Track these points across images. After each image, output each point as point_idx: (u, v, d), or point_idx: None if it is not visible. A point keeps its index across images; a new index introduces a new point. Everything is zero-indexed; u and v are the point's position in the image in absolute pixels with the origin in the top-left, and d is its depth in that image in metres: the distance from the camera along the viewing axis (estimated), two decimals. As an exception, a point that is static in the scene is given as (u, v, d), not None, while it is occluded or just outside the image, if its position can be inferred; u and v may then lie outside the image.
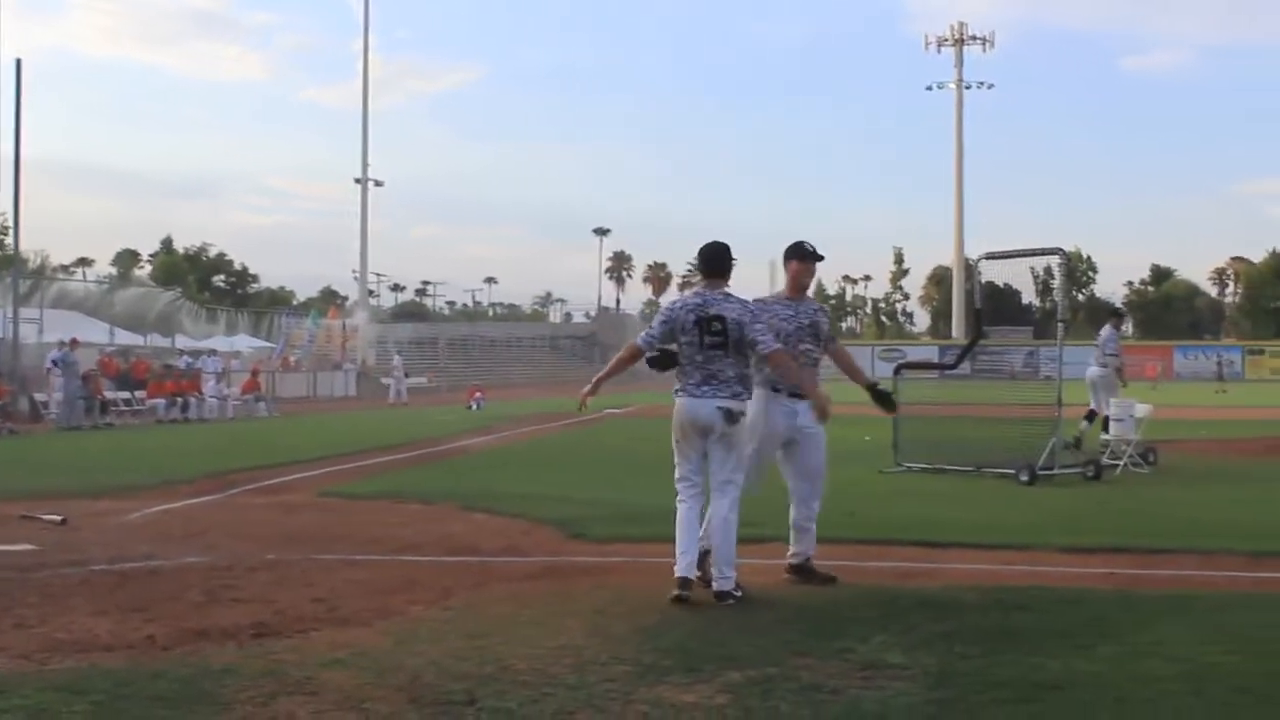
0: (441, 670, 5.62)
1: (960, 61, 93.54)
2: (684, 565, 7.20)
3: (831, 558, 8.14)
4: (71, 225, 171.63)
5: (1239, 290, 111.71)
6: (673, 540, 7.32)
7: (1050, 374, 17.02)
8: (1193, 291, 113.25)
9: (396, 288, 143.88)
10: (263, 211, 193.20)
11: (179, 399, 32.43)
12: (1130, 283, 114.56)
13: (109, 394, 31.40)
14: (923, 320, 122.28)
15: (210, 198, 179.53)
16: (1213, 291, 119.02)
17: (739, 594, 7.16)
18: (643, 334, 7.70)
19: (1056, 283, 16.81)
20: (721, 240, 7.64)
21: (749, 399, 7.36)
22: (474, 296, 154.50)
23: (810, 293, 8.28)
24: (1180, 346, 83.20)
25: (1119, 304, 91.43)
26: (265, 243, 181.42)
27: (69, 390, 28.67)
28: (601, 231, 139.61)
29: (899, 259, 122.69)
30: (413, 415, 34.64)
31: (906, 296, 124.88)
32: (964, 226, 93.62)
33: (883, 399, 8.47)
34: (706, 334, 7.30)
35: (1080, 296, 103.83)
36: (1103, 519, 11.04)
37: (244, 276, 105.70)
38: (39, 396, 30.89)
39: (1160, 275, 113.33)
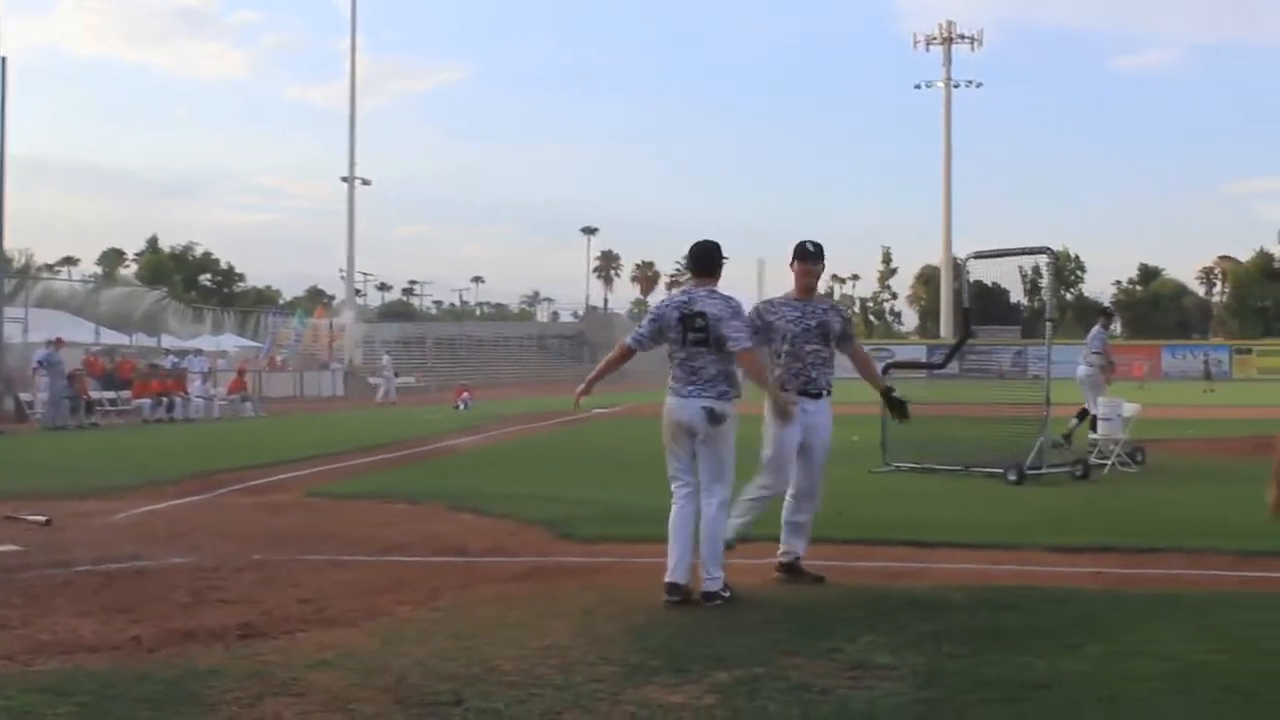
0: (428, 671, 5.61)
1: (949, 60, 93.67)
2: (677, 572, 7.20)
3: (819, 557, 8.15)
4: (56, 224, 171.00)
5: (1226, 290, 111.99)
6: (662, 540, 7.33)
7: (1038, 373, 17.03)
8: (1180, 291, 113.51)
9: (383, 287, 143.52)
10: (249, 210, 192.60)
11: (164, 399, 32.32)
12: (1118, 282, 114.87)
13: (94, 394, 31.25)
14: (911, 319, 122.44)
15: (196, 196, 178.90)
16: (1200, 291, 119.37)
17: (727, 594, 7.17)
18: (633, 333, 7.74)
19: (1044, 282, 16.80)
20: (712, 239, 7.65)
21: (737, 397, 7.34)
22: (461, 296, 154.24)
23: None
24: (1168, 346, 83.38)
25: (1107, 303, 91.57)
26: (251, 242, 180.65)
27: (54, 390, 28.56)
28: (589, 231, 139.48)
29: (887, 258, 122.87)
30: (400, 415, 34.60)
31: (894, 296, 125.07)
32: (952, 226, 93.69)
33: (896, 406, 8.49)
34: (690, 331, 7.32)
35: (1068, 296, 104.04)
36: (1091, 518, 11.07)
37: (230, 275, 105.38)
38: (24, 396, 30.76)
39: (1148, 274, 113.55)
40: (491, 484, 14.05)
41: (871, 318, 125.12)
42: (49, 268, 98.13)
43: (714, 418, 7.22)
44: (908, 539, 9.49)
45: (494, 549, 9.44)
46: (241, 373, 39.94)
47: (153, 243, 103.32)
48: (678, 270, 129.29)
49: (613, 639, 6.26)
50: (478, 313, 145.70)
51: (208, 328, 57.25)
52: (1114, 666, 5.66)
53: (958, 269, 35.11)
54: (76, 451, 20.52)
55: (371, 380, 51.43)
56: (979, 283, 17.65)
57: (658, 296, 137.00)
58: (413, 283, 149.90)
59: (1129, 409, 15.94)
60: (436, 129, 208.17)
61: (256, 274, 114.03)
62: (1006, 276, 17.03)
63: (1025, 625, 6.55)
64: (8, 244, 35.83)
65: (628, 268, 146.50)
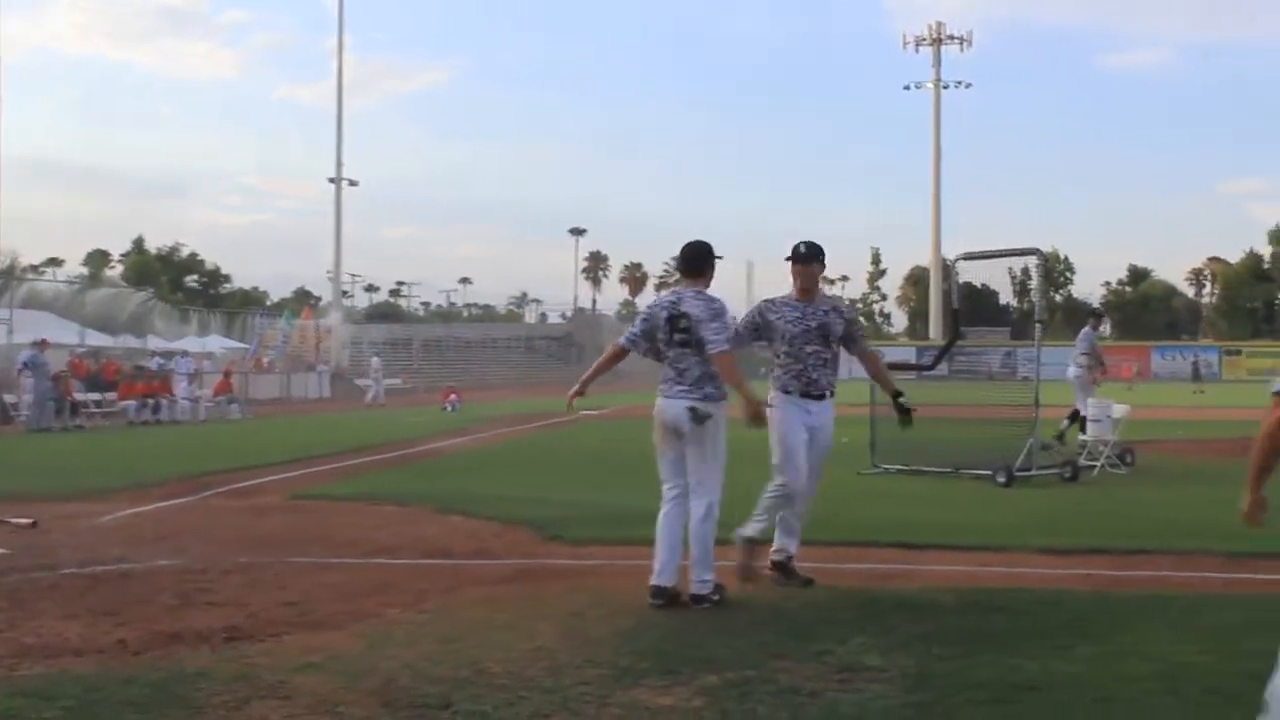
0: (416, 674, 5.61)
1: (938, 61, 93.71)
2: (663, 575, 7.20)
3: (809, 559, 8.16)
4: (42, 224, 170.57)
5: (1216, 291, 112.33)
6: (651, 543, 7.34)
7: (1028, 375, 17.09)
8: (1170, 292, 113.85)
9: (371, 288, 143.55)
10: (235, 211, 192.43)
11: (150, 400, 32.27)
12: (1107, 283, 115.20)
13: (79, 395, 31.23)
14: (900, 321, 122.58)
15: (182, 197, 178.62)
16: (1190, 292, 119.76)
17: (716, 597, 7.18)
18: (625, 334, 7.77)
19: (1034, 283, 16.89)
20: (703, 240, 7.65)
21: (723, 400, 7.34)
22: (449, 297, 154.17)
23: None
24: (1158, 347, 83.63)
25: (1096, 304, 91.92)
26: (238, 243, 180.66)
27: (39, 392, 28.49)
28: (577, 231, 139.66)
29: (876, 259, 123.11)
30: (387, 417, 34.55)
31: (884, 297, 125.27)
32: (941, 227, 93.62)
33: (902, 411, 8.45)
34: (675, 331, 7.34)
35: (1058, 297, 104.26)
36: (1080, 520, 11.09)
37: (217, 277, 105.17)
38: (9, 398, 30.73)
39: (1137, 275, 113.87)
40: (479, 486, 14.04)
41: (861, 319, 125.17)
42: (34, 268, 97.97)
43: (697, 417, 7.20)
44: (897, 541, 9.50)
45: (482, 551, 9.43)
46: (228, 374, 39.84)
47: (139, 243, 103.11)
48: (666, 271, 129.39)
49: (601, 641, 6.26)
50: (465, 314, 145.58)
51: (194, 329, 57.16)
52: (1104, 668, 5.68)
53: (947, 270, 35.21)
54: (62, 454, 20.48)
55: (359, 382, 51.40)
56: (968, 284, 17.72)
57: (646, 298, 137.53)
58: (400, 284, 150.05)
59: (1118, 410, 15.98)
60: (424, 129, 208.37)
61: (243, 275, 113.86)
62: (996, 278, 17.15)
63: (1015, 627, 6.56)
64: (-8, 245, 35.69)
65: (616, 269, 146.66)
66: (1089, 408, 16.34)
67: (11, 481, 14.57)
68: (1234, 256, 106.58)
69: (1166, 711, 5.07)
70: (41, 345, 29.71)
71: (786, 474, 7.74)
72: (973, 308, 18.17)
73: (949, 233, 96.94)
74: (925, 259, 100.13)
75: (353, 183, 68.03)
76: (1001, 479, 13.91)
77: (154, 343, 47.34)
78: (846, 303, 9.32)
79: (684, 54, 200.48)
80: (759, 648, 6.08)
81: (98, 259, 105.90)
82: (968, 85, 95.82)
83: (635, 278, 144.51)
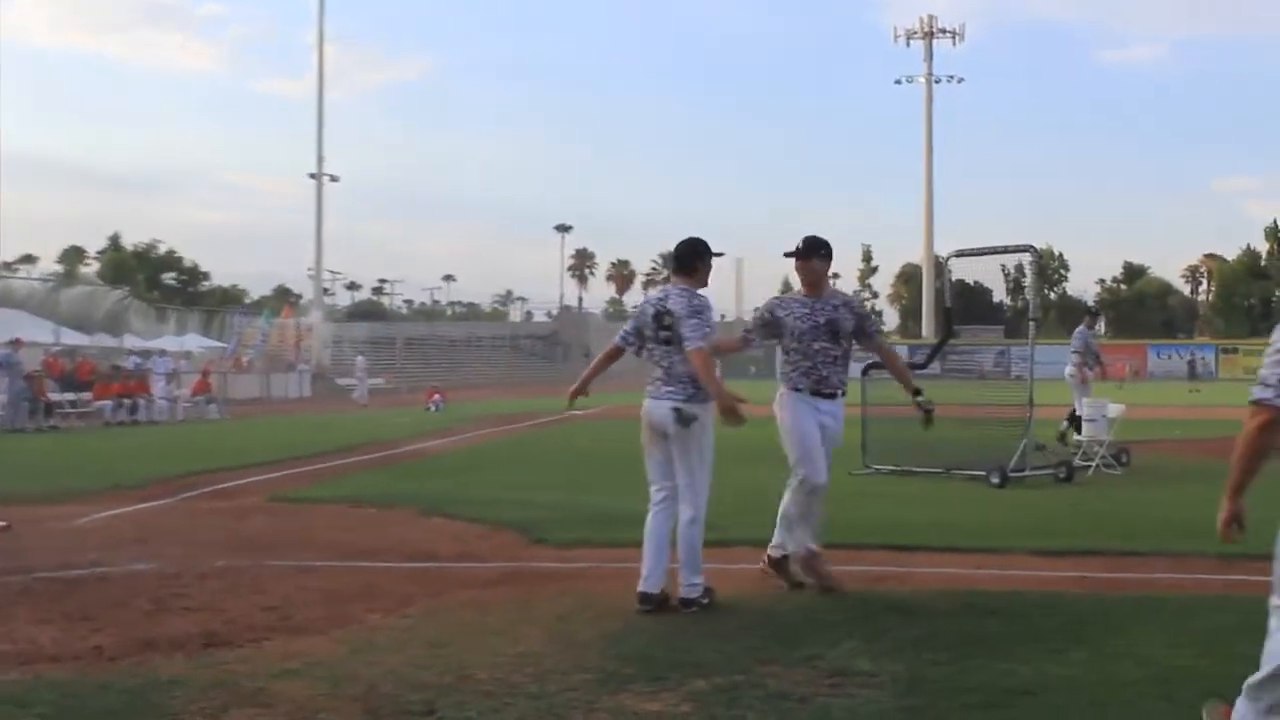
0: (399, 680, 5.61)
1: (930, 55, 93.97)
2: (650, 581, 7.20)
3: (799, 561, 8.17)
4: (14, 221, 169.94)
5: (1212, 288, 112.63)
6: (639, 545, 7.34)
7: (1021, 374, 17.11)
8: (1165, 290, 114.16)
9: (352, 286, 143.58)
10: (214, 207, 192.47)
11: (127, 401, 32.19)
12: (1102, 281, 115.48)
13: (54, 395, 31.14)
14: (892, 319, 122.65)
15: (160, 193, 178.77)
16: (1186, 290, 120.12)
17: (705, 601, 7.18)
18: (619, 333, 7.76)
19: (1028, 281, 16.89)
20: (697, 237, 7.62)
21: (710, 400, 7.32)
22: (432, 295, 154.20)
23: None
24: (1154, 345, 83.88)
25: (1091, 302, 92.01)
26: (216, 239, 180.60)
27: (12, 392, 28.40)
28: (563, 228, 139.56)
29: (867, 256, 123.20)
30: (370, 417, 34.50)
31: (875, 295, 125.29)
32: (933, 223, 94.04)
33: (924, 411, 8.20)
34: (660, 329, 7.34)
35: (1052, 295, 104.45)
36: (1075, 521, 11.12)
37: (195, 274, 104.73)
38: (-19, 398, 30.58)
39: (1133, 273, 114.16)
40: (464, 488, 14.03)
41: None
42: (6, 266, 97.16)
43: (682, 418, 7.19)
44: (888, 543, 9.52)
45: (466, 554, 9.42)
46: (206, 374, 39.79)
47: (115, 240, 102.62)
48: (654, 269, 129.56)
49: (588, 646, 6.26)
50: (449, 312, 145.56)
51: (171, 328, 56.89)
52: (1098, 672, 5.69)
53: (939, 267, 35.20)
54: (35, 455, 20.42)
55: (341, 382, 51.33)
56: (961, 281, 17.72)
57: (633, 296, 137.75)
58: (382, 281, 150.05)
59: (1113, 410, 16.02)
60: (406, 123, 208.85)
61: (222, 273, 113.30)
62: (989, 275, 17.10)
63: (1008, 631, 6.57)
64: (-36, 242, 35.60)
65: (603, 266, 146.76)
66: (1084, 407, 16.38)
67: (-16, 484, 14.52)
68: (1230, 254, 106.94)
69: (1161, 716, 5.09)
70: (15, 345, 29.60)
71: (807, 471, 7.68)
72: (965, 306, 18.21)
73: (941, 230, 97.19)
74: (917, 256, 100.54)
75: (334, 178, 67.95)
76: (995, 480, 13.94)
77: (130, 341, 47.16)
78: (858, 299, 9.14)
79: (672, 48, 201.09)
80: (748, 652, 6.09)
81: (73, 256, 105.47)
82: (960, 80, 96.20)
83: (622, 275, 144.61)
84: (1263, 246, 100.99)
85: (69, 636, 6.59)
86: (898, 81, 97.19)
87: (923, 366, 17.25)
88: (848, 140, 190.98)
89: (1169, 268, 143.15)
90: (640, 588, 7.18)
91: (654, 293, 7.81)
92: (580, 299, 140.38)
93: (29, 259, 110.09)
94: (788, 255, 7.94)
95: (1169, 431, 22.81)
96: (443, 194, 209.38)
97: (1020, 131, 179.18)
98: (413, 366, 68.34)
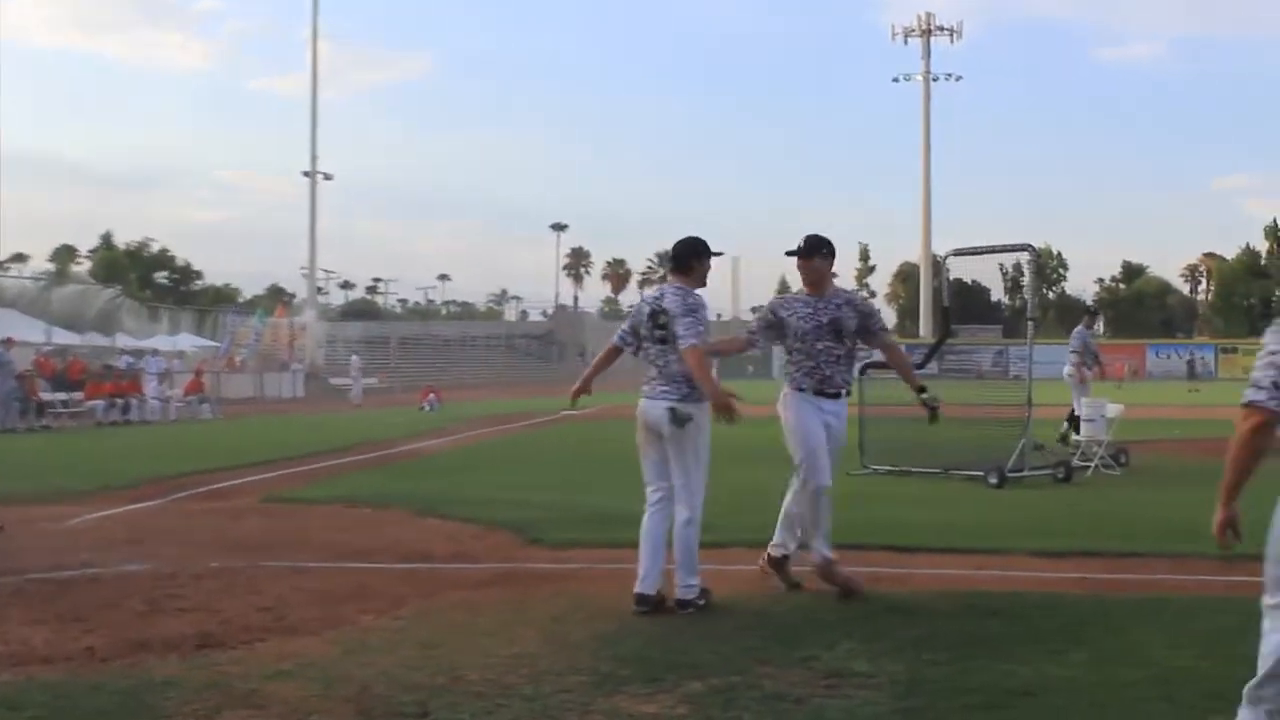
0: (392, 681, 5.60)
1: (927, 53, 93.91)
2: (646, 582, 7.19)
3: (802, 563, 8.16)
4: (6, 219, 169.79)
5: (1211, 287, 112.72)
6: (634, 545, 7.34)
7: (1020, 373, 17.13)
8: (1165, 289, 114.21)
9: (346, 285, 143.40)
10: (207, 205, 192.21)
11: (119, 400, 32.16)
12: (1101, 280, 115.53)
13: (45, 395, 31.11)
14: (889, 318, 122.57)
15: (152, 191, 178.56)
16: (1185, 289, 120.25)
17: (702, 602, 7.17)
18: (618, 332, 7.74)
19: (1026, 280, 16.91)
20: (695, 236, 7.60)
21: (704, 400, 7.30)
22: (427, 294, 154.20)
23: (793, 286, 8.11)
24: (1153, 345, 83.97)
25: (1090, 302, 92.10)
26: (209, 238, 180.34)
27: (3, 392, 28.32)
28: (559, 227, 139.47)
29: (865, 255, 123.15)
30: (364, 417, 34.50)
31: (873, 294, 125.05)
32: (931, 222, 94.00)
33: (929, 408, 8.22)
34: (656, 328, 7.34)
35: (1050, 294, 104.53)
36: (1074, 522, 11.12)
37: (187, 273, 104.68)
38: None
39: (1132, 272, 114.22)
40: (458, 488, 14.02)
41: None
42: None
43: (677, 419, 7.18)
44: (887, 543, 9.50)
45: (460, 555, 9.42)
46: (199, 373, 39.80)
47: (107, 239, 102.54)
48: (650, 268, 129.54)
49: (583, 647, 6.26)
50: (444, 311, 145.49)
51: (164, 327, 56.89)
52: (1099, 673, 5.69)
53: (937, 267, 35.20)
54: (27, 455, 20.38)
55: (335, 382, 51.29)
56: (959, 281, 17.75)
57: (629, 295, 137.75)
58: (377, 280, 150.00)
59: (1112, 410, 16.03)
60: (402, 121, 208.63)
61: (215, 271, 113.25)
62: (987, 274, 17.17)
63: (1008, 631, 6.57)
64: (-45, 240, 35.53)
65: (598, 265, 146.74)
66: (1083, 407, 16.39)
67: (-25, 484, 14.50)
68: (1230, 253, 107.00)
69: (1162, 717, 5.09)
70: (6, 344, 29.55)
71: (810, 473, 7.64)
72: (963, 305, 18.22)
73: (939, 228, 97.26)
74: (915, 255, 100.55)
75: (328, 176, 67.76)
76: (993, 480, 13.94)
77: (123, 341, 47.16)
78: (862, 295, 9.05)
79: (669, 46, 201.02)
80: (744, 653, 6.08)
81: (64, 255, 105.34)
82: (958, 78, 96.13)
83: (618, 274, 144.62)
84: (1262, 245, 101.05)
85: (61, 638, 6.58)
86: (895, 79, 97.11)
87: (920, 366, 17.25)
88: (845, 138, 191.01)
89: (1168, 267, 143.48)
90: (636, 589, 7.17)
91: (650, 292, 7.81)
92: (576, 298, 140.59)
93: (20, 257, 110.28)
94: (789, 254, 7.90)
95: (1168, 431, 22.82)
96: (437, 193, 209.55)
97: (1018, 129, 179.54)
98: (407, 366, 68.27)
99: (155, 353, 38.80)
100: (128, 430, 29.04)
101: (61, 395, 32.32)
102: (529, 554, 9.43)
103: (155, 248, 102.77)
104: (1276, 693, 4.12)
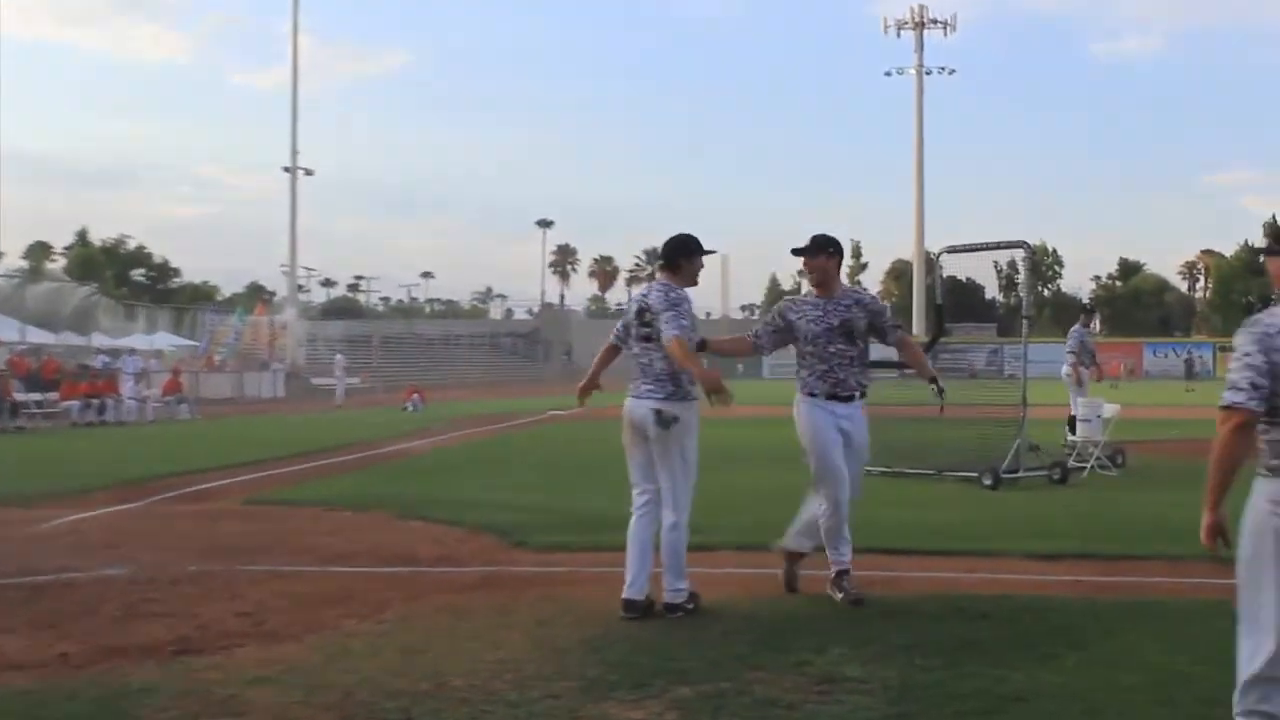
0: (375, 687, 5.60)
1: (920, 46, 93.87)
2: (634, 587, 7.20)
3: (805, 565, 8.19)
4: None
5: (1209, 285, 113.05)
6: (620, 549, 7.34)
7: (1015, 373, 17.16)
8: (1162, 286, 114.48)
9: (328, 283, 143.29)
10: (185, 201, 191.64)
11: (95, 401, 32.09)
12: (1097, 277, 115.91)
13: (19, 395, 31.01)
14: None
15: (129, 187, 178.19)
16: (1183, 286, 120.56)
17: (691, 606, 7.18)
18: (614, 330, 7.75)
19: (1021, 277, 16.98)
20: (686, 233, 7.59)
21: (692, 400, 7.33)
22: (410, 292, 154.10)
23: (805, 286, 8.02)
24: (1150, 343, 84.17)
25: (1086, 299, 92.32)
26: (188, 235, 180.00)
27: (-24, 392, 28.30)
28: (545, 223, 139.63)
29: (856, 253, 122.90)
30: (347, 418, 34.47)
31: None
32: (924, 219, 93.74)
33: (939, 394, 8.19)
34: (640, 325, 7.35)
35: (1046, 292, 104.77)
36: (1069, 524, 11.15)
37: (165, 271, 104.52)
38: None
39: (1128, 269, 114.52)
40: (441, 490, 14.02)
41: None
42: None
43: (662, 421, 7.18)
44: (879, 546, 9.49)
45: (444, 558, 9.41)
46: (177, 373, 39.74)
47: (82, 235, 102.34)
48: (638, 265, 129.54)
49: (569, 652, 6.26)
50: (427, 310, 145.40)
51: (141, 326, 56.79)
52: (1093, 678, 5.71)
53: (930, 264, 35.32)
54: (0, 457, 20.32)
55: (317, 381, 51.20)
56: (953, 278, 17.80)
57: (617, 293, 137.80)
58: (359, 278, 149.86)
59: (1108, 410, 16.06)
60: (384, 116, 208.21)
61: (193, 269, 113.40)
62: (981, 272, 17.28)
63: (1001, 635, 6.59)
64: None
65: (585, 262, 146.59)
66: (1079, 407, 16.41)
67: (-53, 486, 14.46)
68: (1228, 249, 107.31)
69: (1157, 723, 5.11)
70: (-21, 343, 29.51)
71: (829, 485, 7.58)
72: (957, 303, 18.23)
73: (932, 225, 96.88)
74: (908, 252, 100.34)
75: (308, 172, 67.62)
76: (988, 481, 13.96)
77: (99, 340, 47.09)
78: (871, 294, 8.95)
79: (657, 38, 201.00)
80: (734, 658, 6.09)
81: (38, 252, 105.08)
82: (951, 71, 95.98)
83: (605, 272, 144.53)
84: (1261, 242, 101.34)
85: (35, 644, 6.56)
86: (888, 73, 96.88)
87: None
88: (837, 133, 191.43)
89: (1165, 264, 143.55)
90: (624, 594, 7.17)
91: (639, 289, 7.81)
92: (562, 296, 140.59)
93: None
94: (795, 253, 7.87)
95: (1165, 432, 22.86)
96: (420, 189, 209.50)
97: (1013, 124, 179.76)
98: (389, 365, 68.24)
99: (132, 352, 38.82)
100: (104, 431, 29.00)
101: (36, 395, 32.21)
102: (514, 557, 9.44)
103: (132, 244, 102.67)
104: (1259, 698, 4.20)
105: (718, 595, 7.55)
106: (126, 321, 56.73)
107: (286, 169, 65.61)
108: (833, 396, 7.64)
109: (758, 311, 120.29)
